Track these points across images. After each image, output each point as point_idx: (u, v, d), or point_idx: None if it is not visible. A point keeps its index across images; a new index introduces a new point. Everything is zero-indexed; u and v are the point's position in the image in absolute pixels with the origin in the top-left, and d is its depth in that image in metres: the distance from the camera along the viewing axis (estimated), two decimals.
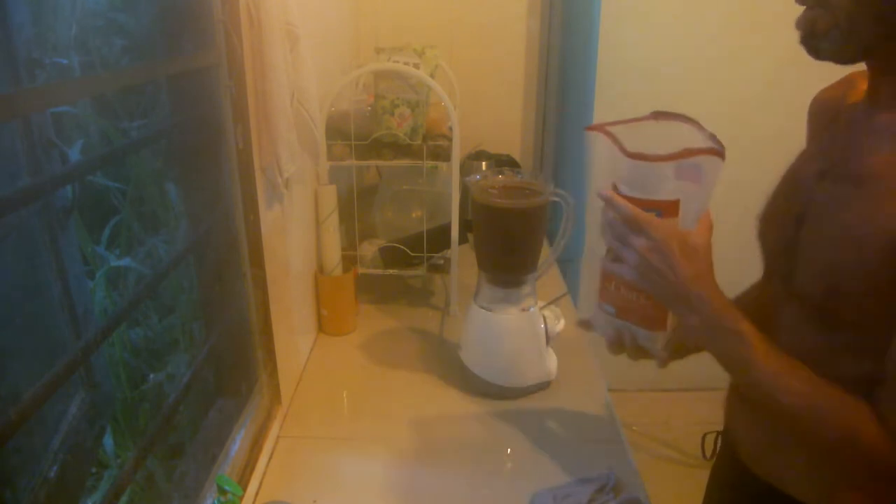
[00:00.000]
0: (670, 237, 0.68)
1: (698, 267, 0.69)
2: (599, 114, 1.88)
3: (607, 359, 1.33)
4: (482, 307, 1.17)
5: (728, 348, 0.69)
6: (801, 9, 0.66)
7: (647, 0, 1.91)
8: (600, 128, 0.72)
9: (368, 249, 1.49)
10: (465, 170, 1.66)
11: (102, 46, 1.37)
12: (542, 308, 1.18)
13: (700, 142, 0.69)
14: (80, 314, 0.84)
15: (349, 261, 1.40)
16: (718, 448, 0.94)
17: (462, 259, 1.40)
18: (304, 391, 1.19)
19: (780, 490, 0.76)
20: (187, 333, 1.46)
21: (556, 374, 1.19)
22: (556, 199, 1.13)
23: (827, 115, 0.78)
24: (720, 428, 0.93)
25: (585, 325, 0.84)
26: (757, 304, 0.79)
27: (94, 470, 1.14)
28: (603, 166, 0.74)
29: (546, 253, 1.20)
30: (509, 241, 1.13)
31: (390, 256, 1.45)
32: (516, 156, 1.96)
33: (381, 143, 1.36)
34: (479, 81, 1.93)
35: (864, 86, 0.70)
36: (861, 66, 0.68)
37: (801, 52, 0.67)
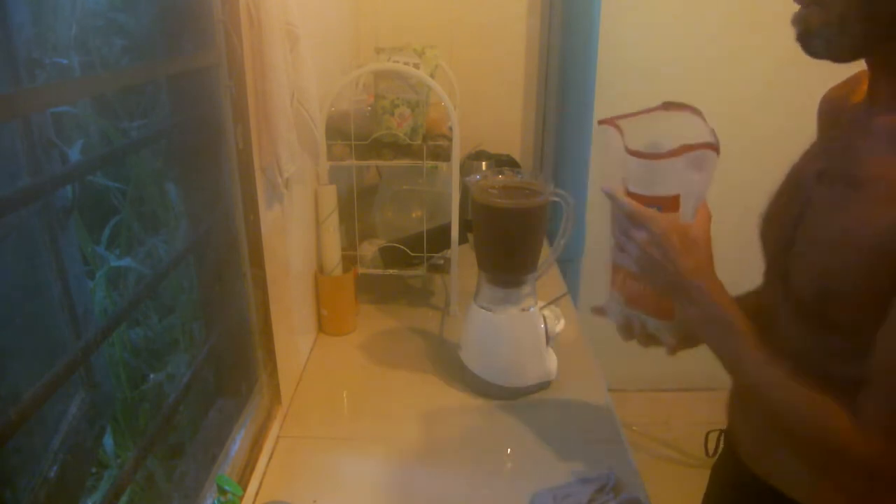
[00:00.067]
0: (670, 231, 0.70)
1: (698, 259, 0.71)
2: (599, 114, 1.88)
3: (607, 359, 1.33)
4: (482, 307, 1.17)
5: (720, 339, 0.70)
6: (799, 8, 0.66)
7: (647, 0, 1.91)
8: (611, 121, 0.75)
9: (368, 249, 1.49)
10: (465, 170, 1.66)
11: (102, 46, 1.37)
12: (542, 308, 1.18)
13: (702, 135, 0.71)
14: (80, 314, 0.84)
15: (349, 261, 1.40)
16: (721, 447, 0.94)
17: (462, 259, 1.40)
18: (304, 391, 1.19)
19: (780, 491, 0.76)
20: (187, 333, 1.46)
21: (556, 374, 1.19)
22: (556, 199, 1.13)
23: (833, 114, 0.78)
24: (721, 427, 0.93)
25: (599, 311, 0.87)
26: (757, 304, 0.80)
27: (94, 470, 1.14)
28: (613, 161, 0.76)
29: (546, 253, 1.20)
30: (509, 241, 1.13)
31: (390, 256, 1.45)
32: (516, 156, 1.96)
33: (381, 143, 1.36)
34: (479, 81, 1.93)
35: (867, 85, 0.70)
36: (864, 65, 0.68)
37: (801, 52, 0.67)
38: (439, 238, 1.41)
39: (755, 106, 1.99)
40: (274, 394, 1.08)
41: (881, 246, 0.59)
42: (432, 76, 1.33)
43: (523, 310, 1.16)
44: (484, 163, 1.82)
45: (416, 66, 1.31)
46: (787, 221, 0.74)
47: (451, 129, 1.33)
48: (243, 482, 0.92)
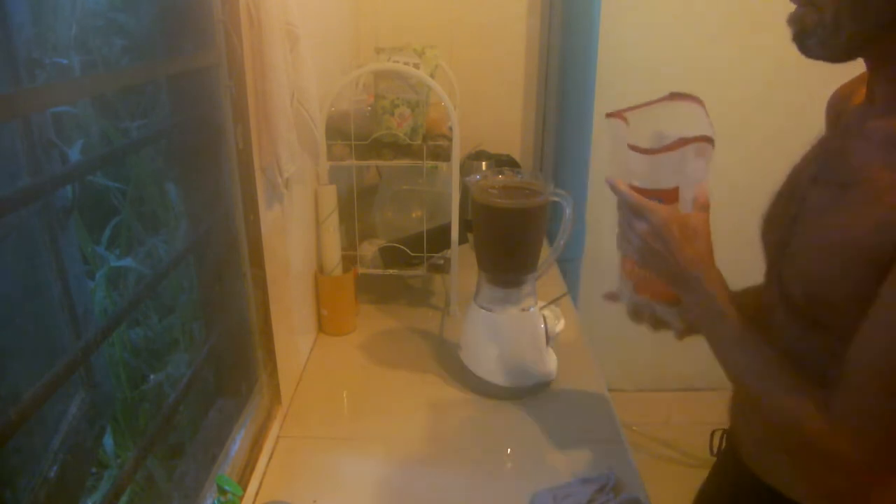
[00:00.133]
0: (670, 221, 0.72)
1: (697, 249, 0.73)
2: (599, 114, 1.88)
3: (607, 359, 1.33)
4: (482, 307, 1.17)
5: (711, 328, 0.73)
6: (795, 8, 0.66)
7: (647, 0, 1.91)
8: (619, 114, 0.77)
9: (368, 249, 1.49)
10: (465, 170, 1.66)
11: (102, 46, 1.37)
12: (542, 308, 1.18)
13: (701, 127, 0.74)
14: (80, 314, 0.84)
15: (349, 261, 1.40)
16: (723, 446, 0.94)
17: (462, 259, 1.40)
18: (304, 391, 1.19)
19: (779, 491, 0.76)
20: (187, 333, 1.46)
21: (556, 374, 1.19)
22: (556, 199, 1.13)
23: (836, 114, 0.78)
24: (724, 426, 0.93)
25: (612, 297, 0.89)
26: (758, 299, 0.80)
27: (94, 470, 1.14)
28: (619, 154, 0.79)
29: (546, 253, 1.20)
30: (509, 241, 1.13)
31: (390, 256, 1.45)
32: (516, 156, 1.96)
33: (381, 143, 1.36)
34: (479, 81, 1.93)
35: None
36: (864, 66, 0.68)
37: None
38: (439, 238, 1.41)
39: (755, 106, 1.99)
40: (274, 394, 1.08)
41: (863, 250, 0.60)
42: (432, 76, 1.33)
43: (523, 310, 1.16)
44: (484, 163, 1.82)
45: (416, 66, 1.31)
46: (784, 223, 0.74)
47: (451, 129, 1.33)
48: (243, 482, 0.92)
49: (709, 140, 0.72)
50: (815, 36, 0.64)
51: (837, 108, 0.78)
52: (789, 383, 0.66)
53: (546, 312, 1.18)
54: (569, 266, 1.99)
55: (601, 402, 1.16)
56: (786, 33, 0.67)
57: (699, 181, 0.75)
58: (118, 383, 1.36)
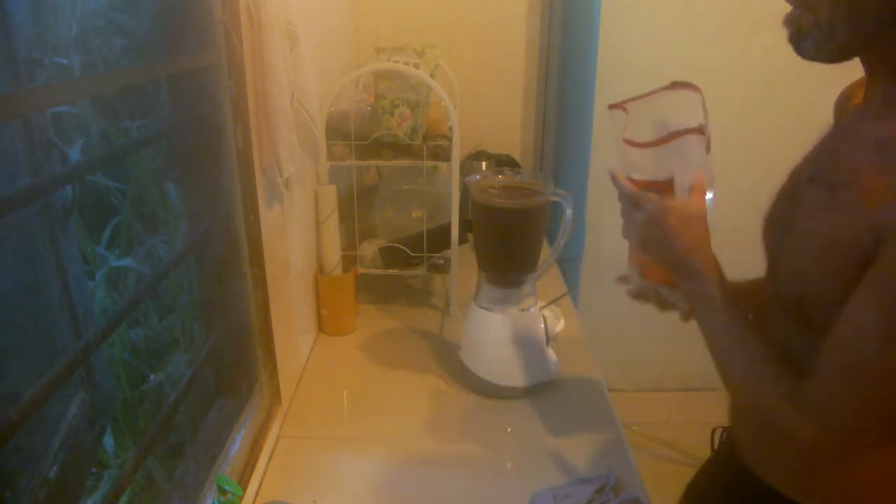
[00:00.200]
0: (667, 211, 0.75)
1: (694, 236, 0.75)
2: (599, 114, 1.88)
3: (607, 359, 1.33)
4: (482, 307, 1.17)
5: (702, 313, 0.75)
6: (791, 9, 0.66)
7: (647, 0, 1.91)
8: (621, 105, 0.80)
9: (368, 249, 1.49)
10: (465, 170, 1.66)
11: (102, 46, 1.37)
12: (542, 308, 1.18)
13: (696, 118, 0.76)
14: (80, 314, 0.84)
15: (349, 261, 1.40)
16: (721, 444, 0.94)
17: (462, 259, 1.40)
18: (304, 391, 1.19)
19: (777, 490, 0.76)
20: (187, 333, 1.46)
21: (556, 374, 1.19)
22: (556, 199, 1.13)
23: (839, 113, 0.78)
24: (724, 425, 0.93)
25: (623, 279, 0.93)
26: (757, 292, 0.81)
27: (94, 470, 1.14)
28: (620, 147, 0.82)
29: (546, 253, 1.20)
30: (509, 241, 1.13)
31: (390, 256, 1.45)
32: (516, 156, 1.96)
33: (381, 143, 1.36)
34: (479, 81, 1.93)
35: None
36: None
37: None
38: (439, 238, 1.41)
39: (755, 106, 1.99)
40: (274, 394, 1.08)
41: (851, 251, 0.60)
42: (432, 76, 1.33)
43: (523, 310, 1.16)
44: (484, 163, 1.82)
45: (416, 66, 1.31)
46: (782, 223, 0.74)
47: (451, 129, 1.33)
48: (243, 482, 0.92)
49: (700, 131, 0.74)
50: (810, 38, 0.64)
51: (841, 108, 0.78)
52: (768, 371, 0.68)
53: (546, 312, 1.18)
54: (569, 266, 1.99)
55: (601, 402, 1.16)
56: (785, 33, 0.67)
57: (696, 170, 0.77)
58: (118, 383, 1.36)
